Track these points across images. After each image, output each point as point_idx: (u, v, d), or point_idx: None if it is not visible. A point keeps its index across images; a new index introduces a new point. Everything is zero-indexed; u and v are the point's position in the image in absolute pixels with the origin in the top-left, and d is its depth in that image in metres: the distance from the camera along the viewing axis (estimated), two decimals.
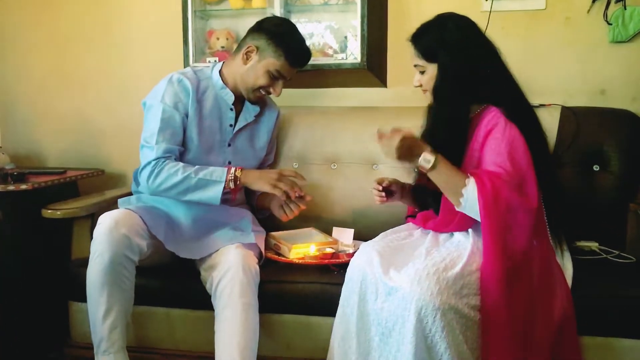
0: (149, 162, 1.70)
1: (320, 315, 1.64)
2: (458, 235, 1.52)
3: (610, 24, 2.12)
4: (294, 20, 2.14)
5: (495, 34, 1.59)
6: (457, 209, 1.46)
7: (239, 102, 1.88)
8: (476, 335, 1.36)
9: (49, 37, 2.59)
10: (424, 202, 1.68)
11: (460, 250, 1.44)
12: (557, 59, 2.19)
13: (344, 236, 1.84)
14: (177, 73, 1.80)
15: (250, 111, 1.90)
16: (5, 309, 1.99)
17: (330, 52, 2.17)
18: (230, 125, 1.87)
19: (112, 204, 1.97)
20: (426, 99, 1.62)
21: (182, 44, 2.20)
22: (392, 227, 1.69)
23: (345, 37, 2.18)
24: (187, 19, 2.18)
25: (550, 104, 2.03)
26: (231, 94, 1.84)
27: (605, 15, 2.13)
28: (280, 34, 1.77)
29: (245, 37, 1.83)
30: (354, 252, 1.63)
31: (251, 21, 1.87)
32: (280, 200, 1.81)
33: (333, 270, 1.70)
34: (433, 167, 1.43)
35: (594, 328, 1.50)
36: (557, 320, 1.44)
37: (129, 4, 2.51)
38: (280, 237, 1.85)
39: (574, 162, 1.93)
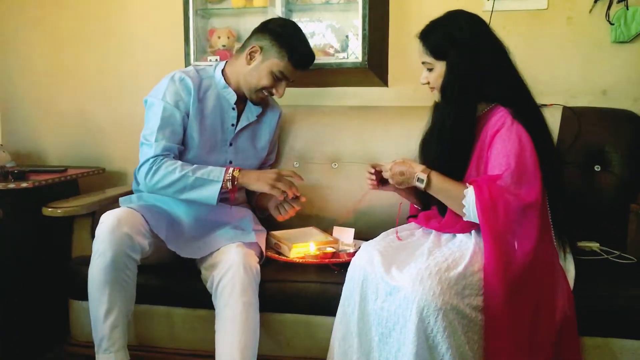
0: (147, 160, 1.70)
1: (320, 314, 1.64)
2: (460, 236, 1.52)
3: (613, 24, 2.12)
4: (295, 19, 2.15)
5: (496, 34, 1.59)
6: (464, 219, 1.47)
7: (241, 101, 1.87)
8: (478, 336, 1.35)
9: (50, 36, 2.59)
10: (426, 200, 1.67)
11: (463, 250, 1.44)
12: (558, 59, 2.19)
13: (345, 236, 1.84)
14: (179, 71, 1.80)
15: (252, 111, 1.90)
16: (5, 307, 1.99)
17: (331, 51, 2.16)
18: (232, 125, 1.87)
19: (112, 203, 1.97)
20: (428, 98, 1.62)
21: (183, 43, 2.20)
22: (393, 227, 1.68)
23: (347, 37, 2.17)
24: (189, 17, 2.18)
25: (551, 104, 2.02)
26: (233, 93, 1.84)
27: (607, 15, 2.12)
28: (284, 35, 1.77)
29: (250, 37, 1.83)
30: (355, 252, 1.63)
31: (252, 20, 1.87)
32: (276, 200, 1.81)
33: (333, 269, 1.70)
34: (428, 184, 1.49)
35: (594, 328, 1.50)
36: (558, 321, 1.44)
37: (130, 2, 2.51)
38: (281, 236, 1.85)
39: (575, 162, 1.93)
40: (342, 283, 1.52)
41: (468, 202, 1.43)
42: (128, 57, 2.54)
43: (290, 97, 1.90)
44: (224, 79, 1.84)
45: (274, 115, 1.99)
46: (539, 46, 2.19)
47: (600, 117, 2.00)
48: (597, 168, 1.93)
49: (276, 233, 1.88)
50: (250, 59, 1.79)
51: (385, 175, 1.59)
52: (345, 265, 1.56)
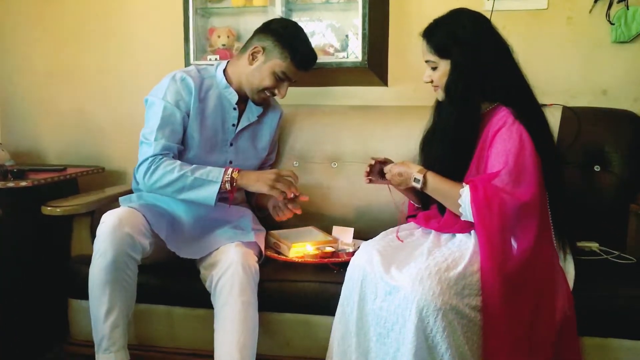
0: (146, 159, 1.70)
1: (319, 314, 1.64)
2: (460, 235, 1.51)
3: (613, 24, 2.12)
4: (295, 18, 2.15)
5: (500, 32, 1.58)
6: (462, 219, 1.47)
7: (242, 101, 1.87)
8: (477, 337, 1.35)
9: (49, 34, 2.59)
10: (425, 199, 1.67)
11: (462, 250, 1.44)
12: (558, 58, 2.19)
13: (344, 235, 1.84)
14: (181, 71, 1.80)
15: (253, 111, 1.90)
16: (5, 307, 1.99)
17: (331, 50, 2.16)
18: (233, 125, 1.86)
19: (112, 202, 1.97)
20: (428, 98, 1.62)
21: (183, 42, 2.19)
22: (392, 227, 1.68)
23: (347, 36, 2.17)
24: (188, 16, 2.18)
25: (551, 104, 2.02)
26: (235, 93, 1.84)
27: (607, 15, 2.12)
28: (287, 35, 1.77)
29: (252, 37, 1.83)
30: (354, 251, 1.63)
31: (252, 19, 1.87)
32: (275, 201, 1.81)
33: (333, 269, 1.69)
34: (424, 185, 1.50)
35: (594, 329, 1.50)
36: (558, 322, 1.44)
37: (130, 1, 2.51)
38: (280, 236, 1.84)
39: (575, 162, 1.93)
40: (341, 283, 1.52)
41: (464, 202, 1.44)
42: (128, 56, 2.53)
43: (290, 96, 1.90)
44: (226, 78, 1.84)
45: (274, 115, 1.99)
46: (539, 46, 2.19)
47: (600, 117, 2.00)
48: (597, 168, 1.93)
49: (275, 232, 1.88)
50: (253, 59, 1.79)
51: (387, 176, 1.61)
52: (344, 265, 1.56)
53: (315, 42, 2.16)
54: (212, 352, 1.57)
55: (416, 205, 1.74)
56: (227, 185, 1.68)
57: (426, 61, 1.56)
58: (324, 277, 1.66)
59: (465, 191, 1.44)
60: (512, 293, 1.37)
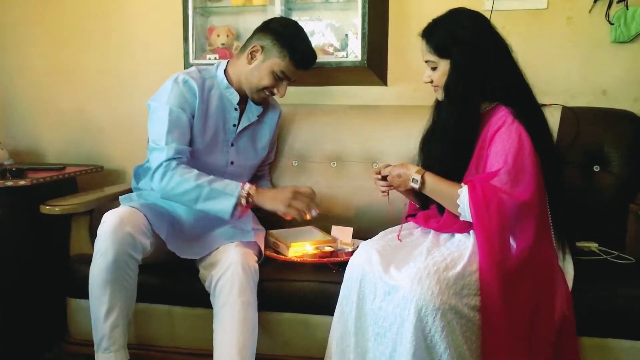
0: (160, 164, 1.66)
1: (318, 313, 1.64)
2: (459, 235, 1.51)
3: (612, 24, 2.12)
4: (294, 18, 2.14)
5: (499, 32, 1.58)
6: (461, 219, 1.47)
7: (242, 101, 1.86)
8: (476, 336, 1.35)
9: (49, 33, 2.59)
10: (425, 200, 1.67)
11: (461, 250, 1.44)
12: (558, 58, 2.19)
13: (343, 235, 1.84)
14: (183, 73, 1.77)
15: (253, 111, 1.89)
16: (4, 306, 1.99)
17: (330, 50, 2.16)
18: (234, 125, 1.86)
19: (111, 201, 1.96)
20: (427, 97, 1.62)
21: (182, 41, 2.19)
22: (392, 226, 1.68)
23: (346, 35, 2.17)
24: (188, 15, 2.17)
25: (551, 104, 2.02)
26: (236, 94, 1.83)
27: (607, 15, 2.12)
28: (286, 34, 1.76)
29: (251, 37, 1.82)
30: (353, 251, 1.63)
31: (252, 18, 1.87)
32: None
33: (332, 268, 1.69)
34: (422, 185, 1.51)
35: (593, 329, 1.50)
36: (557, 322, 1.44)
37: (130, 0, 2.50)
38: (279, 235, 1.84)
39: (575, 162, 1.92)
40: (340, 282, 1.51)
41: (462, 202, 1.44)
42: (127, 55, 2.53)
43: (289, 96, 1.89)
44: (227, 78, 1.83)
45: (274, 114, 1.99)
46: (538, 46, 2.19)
47: (600, 117, 2.00)
48: (597, 168, 1.93)
49: (274, 232, 1.88)
50: (252, 58, 1.78)
51: (387, 179, 1.60)
52: (343, 265, 1.55)
53: (314, 41, 2.16)
54: (211, 351, 1.57)
55: (416, 205, 1.74)
56: (243, 201, 1.64)
57: (426, 61, 1.56)
58: (323, 277, 1.66)
59: (463, 191, 1.44)
60: (511, 293, 1.37)
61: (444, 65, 1.52)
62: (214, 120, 1.81)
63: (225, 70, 1.84)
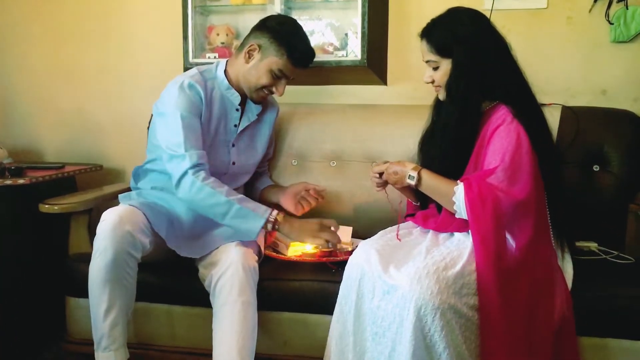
0: (185, 172, 1.65)
1: (318, 313, 1.64)
2: (458, 235, 1.51)
3: (612, 24, 2.11)
4: (294, 17, 2.13)
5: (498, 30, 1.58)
6: (456, 216, 1.47)
7: (242, 101, 1.86)
8: (475, 336, 1.35)
9: (48, 32, 2.58)
10: (423, 198, 1.67)
11: (461, 249, 1.44)
12: (558, 58, 2.19)
13: (343, 234, 1.83)
14: (187, 78, 1.75)
15: (253, 110, 1.89)
16: (3, 305, 1.99)
17: (330, 49, 2.16)
18: (235, 126, 1.85)
19: (110, 200, 1.96)
20: (427, 97, 1.62)
21: (181, 40, 2.19)
22: (391, 226, 1.68)
23: (346, 35, 2.17)
24: (187, 14, 2.17)
25: (551, 104, 2.02)
26: (237, 94, 1.82)
27: (607, 14, 2.12)
28: (283, 32, 1.75)
29: (249, 35, 1.81)
30: (352, 250, 1.62)
31: (251, 17, 1.86)
32: (295, 197, 1.84)
33: (331, 268, 1.69)
34: (418, 182, 1.50)
35: (593, 329, 1.50)
36: (556, 322, 1.44)
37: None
38: (279, 235, 1.84)
39: (574, 162, 1.92)
40: (339, 282, 1.51)
41: (458, 199, 1.43)
42: (127, 54, 2.53)
43: (288, 95, 1.89)
44: (227, 79, 1.82)
45: (272, 113, 1.99)
46: (538, 45, 2.19)
47: (600, 116, 1.99)
48: (596, 168, 1.93)
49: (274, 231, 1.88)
50: (249, 57, 1.77)
51: (384, 176, 1.60)
52: (342, 264, 1.55)
53: (314, 40, 2.16)
54: (211, 350, 1.56)
55: (414, 203, 1.74)
56: (269, 226, 1.65)
57: (427, 61, 1.56)
58: (323, 276, 1.66)
59: (459, 189, 1.43)
60: (509, 292, 1.37)
61: (446, 65, 1.52)
62: (216, 122, 1.81)
63: (225, 71, 1.84)
